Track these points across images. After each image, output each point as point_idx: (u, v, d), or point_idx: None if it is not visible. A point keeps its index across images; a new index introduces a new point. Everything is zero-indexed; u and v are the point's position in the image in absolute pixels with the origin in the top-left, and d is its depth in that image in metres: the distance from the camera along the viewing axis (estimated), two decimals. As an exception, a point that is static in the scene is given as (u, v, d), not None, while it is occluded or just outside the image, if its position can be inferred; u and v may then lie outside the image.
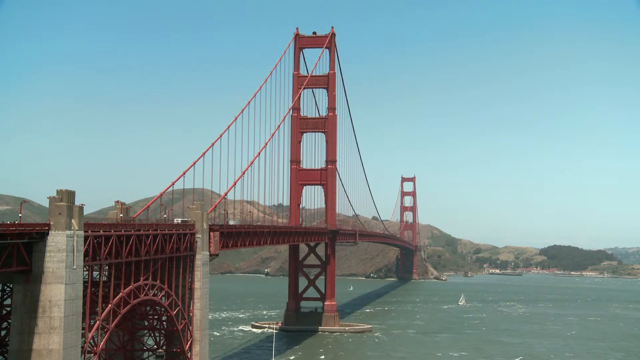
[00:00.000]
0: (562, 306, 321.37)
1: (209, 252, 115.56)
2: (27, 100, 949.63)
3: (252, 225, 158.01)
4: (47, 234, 71.16)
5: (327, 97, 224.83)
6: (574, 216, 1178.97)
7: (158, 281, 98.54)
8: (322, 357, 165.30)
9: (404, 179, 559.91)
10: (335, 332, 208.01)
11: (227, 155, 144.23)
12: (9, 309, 72.57)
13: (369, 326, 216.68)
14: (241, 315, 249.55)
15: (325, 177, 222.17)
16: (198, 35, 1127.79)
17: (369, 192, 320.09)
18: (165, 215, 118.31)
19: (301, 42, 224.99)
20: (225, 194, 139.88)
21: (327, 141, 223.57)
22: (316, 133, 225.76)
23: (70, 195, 74.17)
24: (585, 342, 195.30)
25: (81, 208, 75.35)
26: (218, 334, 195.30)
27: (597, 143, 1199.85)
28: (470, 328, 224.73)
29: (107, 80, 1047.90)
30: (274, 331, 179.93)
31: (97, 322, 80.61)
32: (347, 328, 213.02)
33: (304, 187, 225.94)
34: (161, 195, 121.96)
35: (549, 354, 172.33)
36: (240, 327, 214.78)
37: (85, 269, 77.42)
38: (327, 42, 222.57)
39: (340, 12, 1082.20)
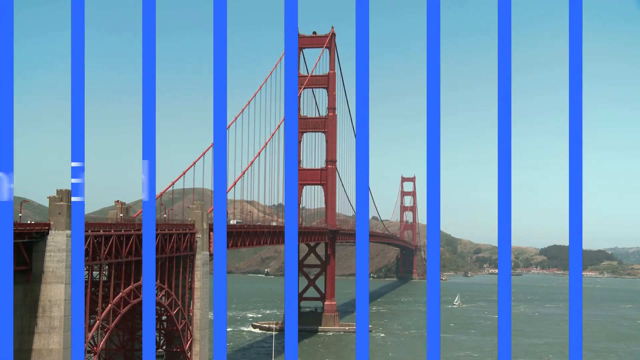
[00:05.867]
0: (564, 306, 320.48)
1: (209, 252, 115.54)
2: (26, 100, 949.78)
3: (252, 225, 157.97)
4: (47, 233, 71.15)
5: (327, 97, 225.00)
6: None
7: (158, 281, 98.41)
8: (322, 357, 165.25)
9: (404, 179, 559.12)
10: (335, 332, 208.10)
11: (227, 155, 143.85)
12: (8, 308, 72.37)
13: (369, 326, 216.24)
14: (241, 315, 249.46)
15: (325, 177, 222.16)
16: (198, 35, 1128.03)
17: (369, 192, 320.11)
18: (165, 215, 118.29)
19: (301, 42, 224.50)
20: (225, 194, 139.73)
21: (327, 141, 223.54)
22: (316, 133, 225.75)
23: (70, 195, 74.01)
24: (590, 343, 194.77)
25: (81, 208, 75.10)
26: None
27: (597, 143, 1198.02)
28: (471, 327, 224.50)
29: (108, 79, 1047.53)
30: (274, 331, 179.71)
31: (97, 322, 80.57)
32: (347, 328, 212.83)
33: (304, 187, 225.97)
34: (161, 195, 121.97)
35: (551, 355, 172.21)
36: (240, 327, 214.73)
37: (85, 269, 77.37)
38: (327, 42, 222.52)
39: (340, 12, 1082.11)
